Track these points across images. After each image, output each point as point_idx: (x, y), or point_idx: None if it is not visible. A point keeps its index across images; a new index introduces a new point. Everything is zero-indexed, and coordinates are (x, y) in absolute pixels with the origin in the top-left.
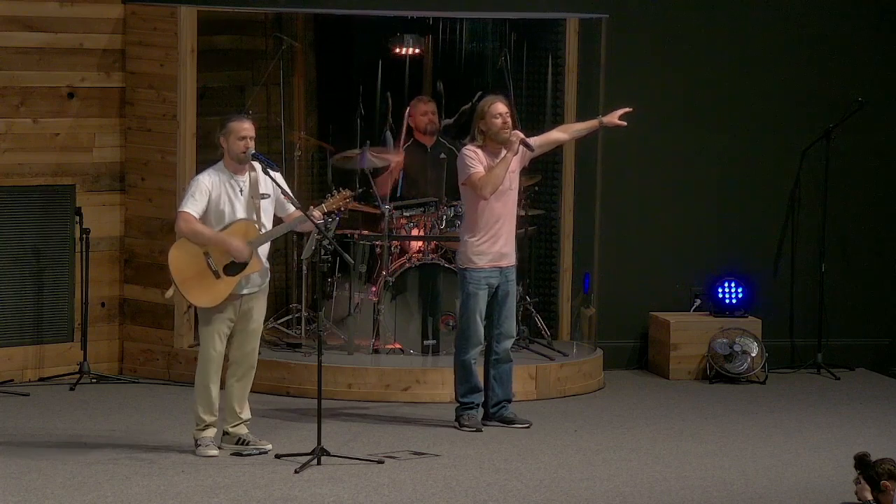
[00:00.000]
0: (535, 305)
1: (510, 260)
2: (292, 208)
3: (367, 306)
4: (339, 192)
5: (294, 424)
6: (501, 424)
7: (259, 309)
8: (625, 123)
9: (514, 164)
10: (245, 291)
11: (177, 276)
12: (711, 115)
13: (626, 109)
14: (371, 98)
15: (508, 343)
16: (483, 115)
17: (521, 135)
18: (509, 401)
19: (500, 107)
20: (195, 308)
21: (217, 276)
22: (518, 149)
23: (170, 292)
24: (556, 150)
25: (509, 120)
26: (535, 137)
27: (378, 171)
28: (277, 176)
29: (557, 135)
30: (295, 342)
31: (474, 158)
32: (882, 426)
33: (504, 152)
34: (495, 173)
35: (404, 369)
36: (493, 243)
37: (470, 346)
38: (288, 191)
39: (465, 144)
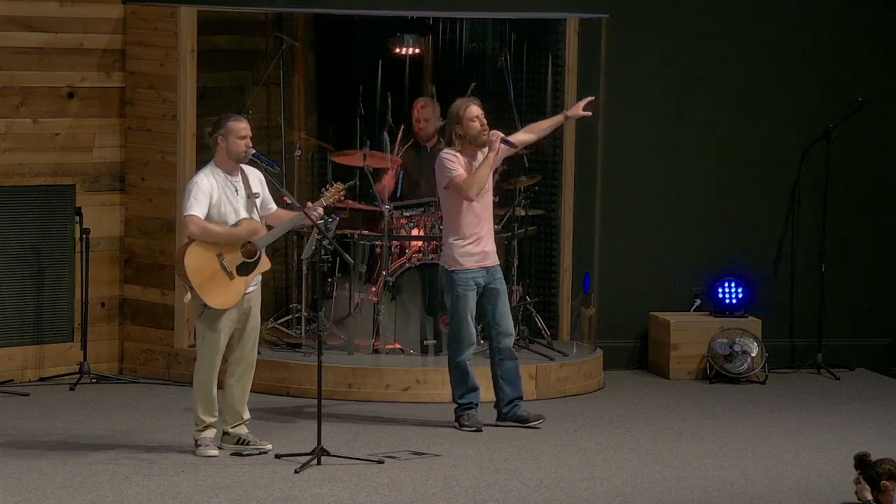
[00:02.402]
0: (535, 305)
1: (494, 259)
2: (274, 207)
3: (367, 306)
4: (332, 185)
5: (294, 424)
6: (517, 424)
7: (257, 307)
8: (589, 113)
9: None
10: (248, 290)
11: (194, 280)
12: (711, 115)
13: (589, 99)
14: (371, 98)
15: (509, 341)
16: (459, 119)
17: (501, 134)
18: (521, 398)
19: (476, 109)
20: (199, 310)
21: (231, 276)
22: (499, 147)
23: (187, 297)
24: (557, 151)
25: (485, 121)
26: (508, 137)
27: (379, 173)
28: (260, 176)
29: (524, 136)
30: (295, 342)
31: (454, 161)
32: (882, 426)
33: (480, 155)
34: (480, 174)
35: (404, 369)
36: (478, 244)
37: (463, 347)
38: (287, 192)
39: (440, 149)
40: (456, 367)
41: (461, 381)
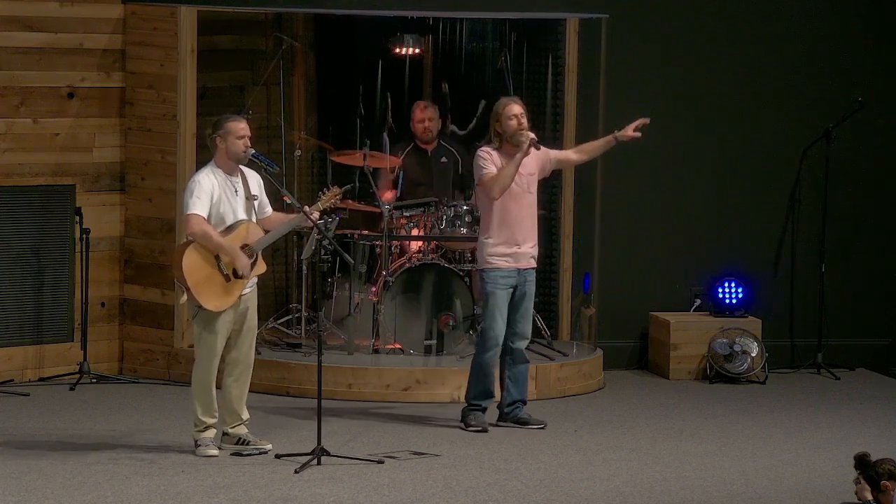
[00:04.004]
0: (535, 305)
1: (529, 262)
2: (270, 210)
3: (367, 306)
4: (329, 189)
5: (294, 424)
6: (516, 426)
7: (254, 307)
8: (639, 135)
9: (531, 167)
10: (244, 291)
11: (190, 280)
12: (711, 115)
13: (643, 121)
14: (371, 98)
15: (523, 344)
16: (498, 117)
17: (533, 135)
18: (524, 402)
19: (515, 108)
20: (194, 311)
21: (228, 279)
22: (528, 150)
23: (183, 298)
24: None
25: (524, 121)
26: (554, 152)
27: (380, 174)
28: (258, 178)
29: (573, 156)
30: (295, 342)
31: (487, 159)
32: (882, 426)
33: (519, 156)
34: (505, 174)
35: (404, 369)
36: (510, 245)
37: (487, 347)
38: (286, 192)
39: (480, 146)
40: (477, 366)
41: (477, 381)
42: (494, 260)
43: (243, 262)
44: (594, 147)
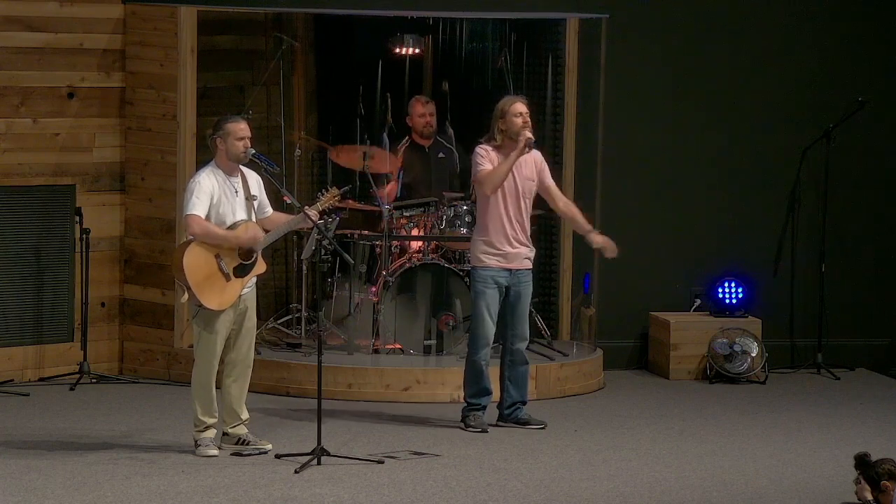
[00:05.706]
0: (535, 305)
1: (522, 263)
2: (271, 211)
3: (367, 306)
4: (327, 190)
5: (294, 424)
6: (517, 426)
7: (253, 307)
8: (613, 254)
9: (530, 172)
10: (244, 291)
11: (191, 279)
12: (711, 115)
13: (613, 254)
14: (371, 98)
15: (522, 345)
16: (503, 114)
17: (531, 136)
18: (524, 402)
19: (521, 106)
20: (194, 311)
21: (228, 278)
22: (524, 149)
23: (184, 298)
24: (557, 150)
25: (529, 120)
26: (550, 180)
27: (381, 177)
28: (258, 179)
29: (559, 202)
30: (295, 342)
31: (484, 157)
32: (882, 426)
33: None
34: (498, 171)
35: (404, 369)
36: (501, 244)
37: (478, 346)
38: (287, 192)
39: (480, 143)
40: (470, 366)
41: (473, 381)
42: (485, 258)
43: (250, 234)
44: (574, 220)
